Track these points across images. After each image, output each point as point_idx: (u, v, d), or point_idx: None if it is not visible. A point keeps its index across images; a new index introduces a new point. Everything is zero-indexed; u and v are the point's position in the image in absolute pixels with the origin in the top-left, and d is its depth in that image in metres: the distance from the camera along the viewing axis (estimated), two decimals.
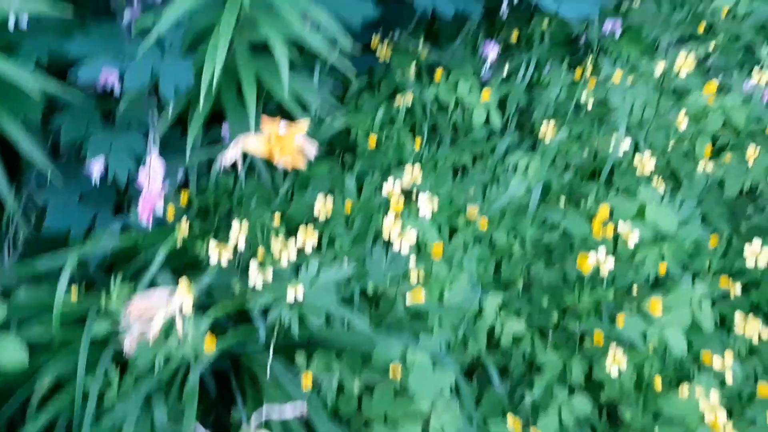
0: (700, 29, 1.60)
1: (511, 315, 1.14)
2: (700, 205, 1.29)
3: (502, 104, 1.53)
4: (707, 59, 1.63)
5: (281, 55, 0.96)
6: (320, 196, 1.17)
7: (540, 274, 1.20)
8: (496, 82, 1.53)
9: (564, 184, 1.34)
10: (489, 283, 1.21)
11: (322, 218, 1.18)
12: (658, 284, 1.18)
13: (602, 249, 1.06)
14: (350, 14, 1.16)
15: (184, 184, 1.19)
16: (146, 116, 1.06)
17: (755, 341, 1.08)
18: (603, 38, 1.72)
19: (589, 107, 1.45)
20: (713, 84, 1.31)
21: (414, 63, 1.53)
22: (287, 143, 0.97)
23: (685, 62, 1.28)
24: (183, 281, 0.89)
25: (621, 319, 1.05)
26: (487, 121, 1.48)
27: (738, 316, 1.09)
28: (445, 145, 1.49)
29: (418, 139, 1.40)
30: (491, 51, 1.49)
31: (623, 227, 1.10)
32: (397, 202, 1.09)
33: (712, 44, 1.63)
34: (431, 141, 1.49)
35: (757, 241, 1.06)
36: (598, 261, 1.06)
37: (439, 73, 1.48)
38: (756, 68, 1.36)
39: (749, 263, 1.06)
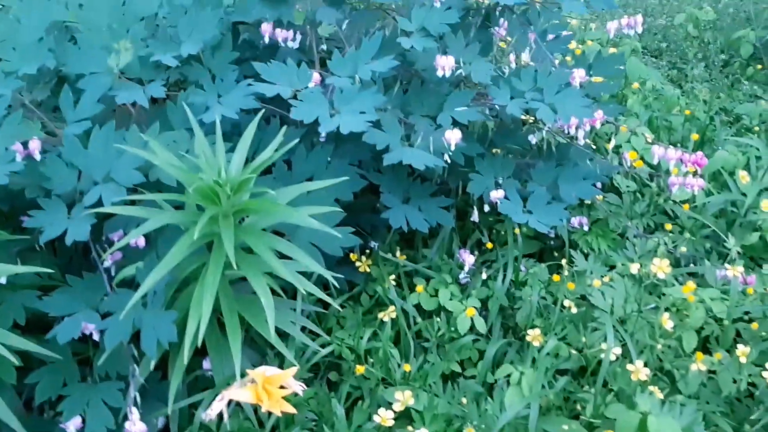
0: (668, 226, 1.67)
1: None
2: (699, 405, 1.26)
3: (484, 305, 1.54)
4: (676, 249, 1.68)
5: (264, 297, 0.96)
6: None
7: None
8: (475, 285, 1.55)
9: (557, 393, 1.30)
10: None
11: None
12: None
13: None
14: (332, 247, 1.19)
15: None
16: (125, 365, 1.03)
17: None
18: (573, 231, 1.78)
19: (573, 310, 1.45)
20: (691, 285, 1.34)
21: (393, 273, 1.55)
22: (275, 389, 0.94)
23: (660, 265, 1.32)
24: None
25: None
26: (472, 326, 1.48)
27: None
28: (433, 354, 1.47)
29: (405, 363, 1.37)
30: (467, 257, 1.52)
31: None
32: None
33: (678, 235, 1.70)
34: (417, 351, 1.47)
35: None
36: None
37: (419, 285, 1.50)
38: (728, 261, 1.40)
39: None
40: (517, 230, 1.60)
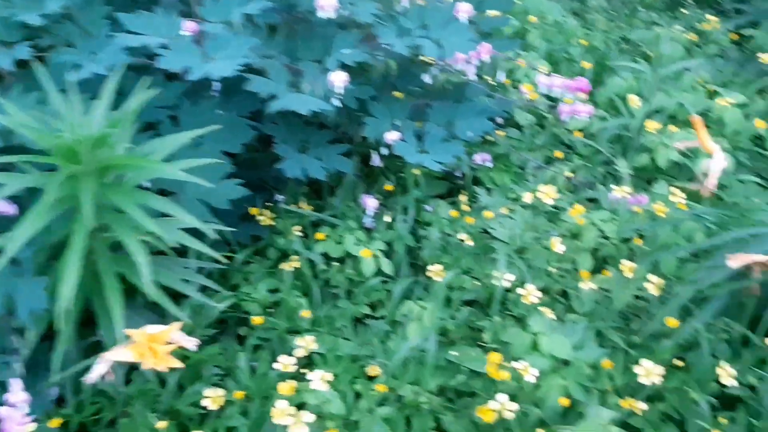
0: (558, 154, 1.70)
1: None
2: (592, 321, 1.31)
3: (391, 247, 1.56)
4: (574, 177, 1.73)
5: (139, 256, 0.94)
6: (209, 390, 1.11)
7: (450, 424, 1.16)
8: (380, 229, 1.56)
9: (460, 323, 1.34)
10: None
11: (215, 408, 1.12)
12: (569, 412, 1.17)
13: (502, 395, 1.04)
14: (216, 199, 1.17)
15: (61, 401, 1.11)
16: (7, 339, 0.99)
17: None
18: (477, 169, 1.81)
19: (471, 242, 1.48)
20: (579, 208, 1.38)
21: (299, 224, 1.54)
22: (158, 347, 0.93)
23: (547, 191, 1.35)
24: None
25: None
26: (379, 268, 1.49)
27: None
28: (343, 299, 1.48)
29: (306, 311, 1.37)
30: (370, 201, 1.52)
31: (519, 365, 1.09)
32: (289, 387, 1.05)
33: (576, 163, 1.75)
34: (326, 298, 1.48)
35: (646, 362, 1.08)
36: (502, 406, 1.04)
37: (324, 233, 1.50)
38: (620, 183, 1.45)
39: (642, 380, 1.07)
40: (417, 171, 1.61)
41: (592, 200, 1.69)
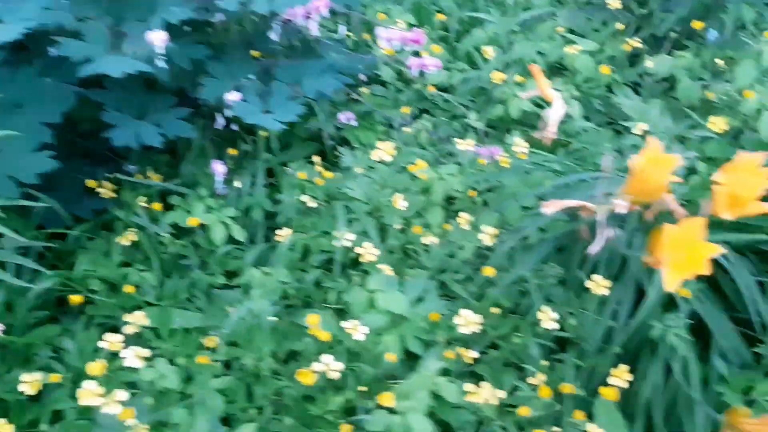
0: (405, 110, 1.68)
1: None
2: (436, 275, 1.32)
3: (246, 213, 1.52)
4: (436, 132, 1.72)
5: None
6: (26, 375, 1.05)
7: (289, 390, 1.14)
8: (234, 196, 1.51)
9: (309, 286, 1.32)
10: (243, 412, 1.14)
11: (33, 392, 1.07)
12: (413, 366, 1.17)
13: (327, 356, 1.03)
14: (25, 174, 1.09)
15: None
16: None
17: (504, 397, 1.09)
18: (343, 129, 1.77)
19: (329, 203, 1.46)
20: (420, 163, 1.38)
21: (145, 194, 1.48)
22: None
23: (384, 148, 1.33)
24: None
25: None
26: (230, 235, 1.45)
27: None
28: (195, 270, 1.43)
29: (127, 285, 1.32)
30: (218, 167, 1.47)
31: (348, 324, 1.08)
32: (99, 366, 1.00)
33: (438, 118, 1.74)
34: (177, 270, 1.43)
35: (465, 312, 1.09)
36: (327, 367, 1.02)
37: (174, 203, 1.44)
38: (475, 136, 1.45)
39: (462, 330, 1.08)
40: (264, 133, 1.55)
41: (453, 154, 1.69)
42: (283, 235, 1.36)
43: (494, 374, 1.21)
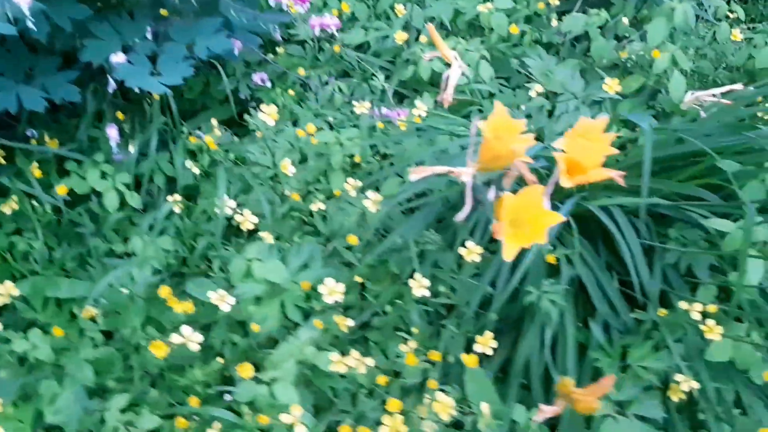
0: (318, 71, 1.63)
1: (144, 410, 1.07)
2: (330, 241, 1.30)
3: (151, 179, 1.48)
4: (352, 94, 1.68)
5: None
6: None
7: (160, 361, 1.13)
8: (132, 162, 1.47)
9: (192, 255, 1.30)
10: (119, 383, 1.13)
11: None
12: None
13: (187, 327, 1.01)
14: None
15: None
16: None
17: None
18: (258, 90, 1.73)
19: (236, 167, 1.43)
20: (311, 127, 1.34)
21: (39, 161, 1.43)
22: None
23: (269, 112, 1.29)
24: None
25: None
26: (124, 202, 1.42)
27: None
28: (91, 238, 1.40)
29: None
30: (112, 132, 1.42)
31: (214, 294, 1.06)
32: None
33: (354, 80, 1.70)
34: (71, 238, 1.40)
35: (329, 280, 1.07)
36: (186, 338, 1.01)
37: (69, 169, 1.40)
38: (384, 98, 1.41)
39: (326, 299, 1.06)
40: (156, 96, 1.50)
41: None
42: (174, 200, 1.33)
43: (384, 341, 1.20)
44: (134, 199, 1.41)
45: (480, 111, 1.46)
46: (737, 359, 1.07)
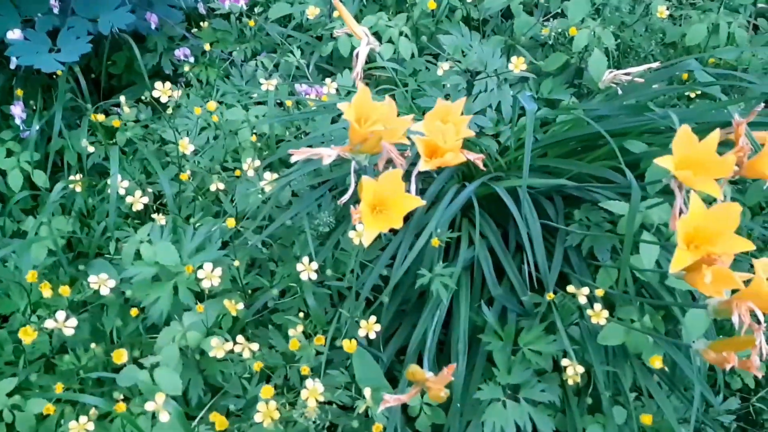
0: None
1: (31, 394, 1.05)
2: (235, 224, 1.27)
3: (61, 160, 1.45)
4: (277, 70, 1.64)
5: None
6: None
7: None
8: (35, 140, 1.43)
9: (90, 237, 1.27)
10: (9, 366, 1.11)
11: None
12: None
13: (62, 313, 0.99)
14: None
15: None
16: None
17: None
18: (181, 65, 1.68)
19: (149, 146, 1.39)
20: (211, 105, 1.31)
21: None
22: None
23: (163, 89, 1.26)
24: None
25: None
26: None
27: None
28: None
29: None
30: (16, 110, 1.38)
31: (93, 279, 1.04)
32: None
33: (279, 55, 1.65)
34: None
35: (207, 265, 1.05)
36: (60, 323, 0.98)
37: None
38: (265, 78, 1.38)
39: (204, 284, 1.04)
40: (59, 72, 1.46)
41: (292, 93, 1.61)
42: (73, 179, 1.30)
43: (287, 324, 1.19)
44: (40, 178, 1.38)
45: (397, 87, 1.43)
46: (629, 343, 1.06)
